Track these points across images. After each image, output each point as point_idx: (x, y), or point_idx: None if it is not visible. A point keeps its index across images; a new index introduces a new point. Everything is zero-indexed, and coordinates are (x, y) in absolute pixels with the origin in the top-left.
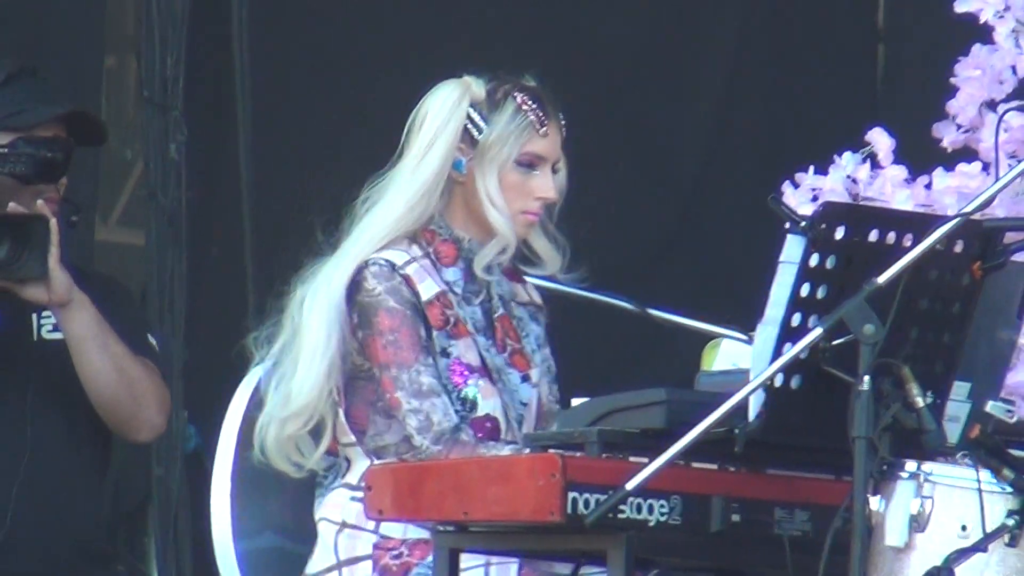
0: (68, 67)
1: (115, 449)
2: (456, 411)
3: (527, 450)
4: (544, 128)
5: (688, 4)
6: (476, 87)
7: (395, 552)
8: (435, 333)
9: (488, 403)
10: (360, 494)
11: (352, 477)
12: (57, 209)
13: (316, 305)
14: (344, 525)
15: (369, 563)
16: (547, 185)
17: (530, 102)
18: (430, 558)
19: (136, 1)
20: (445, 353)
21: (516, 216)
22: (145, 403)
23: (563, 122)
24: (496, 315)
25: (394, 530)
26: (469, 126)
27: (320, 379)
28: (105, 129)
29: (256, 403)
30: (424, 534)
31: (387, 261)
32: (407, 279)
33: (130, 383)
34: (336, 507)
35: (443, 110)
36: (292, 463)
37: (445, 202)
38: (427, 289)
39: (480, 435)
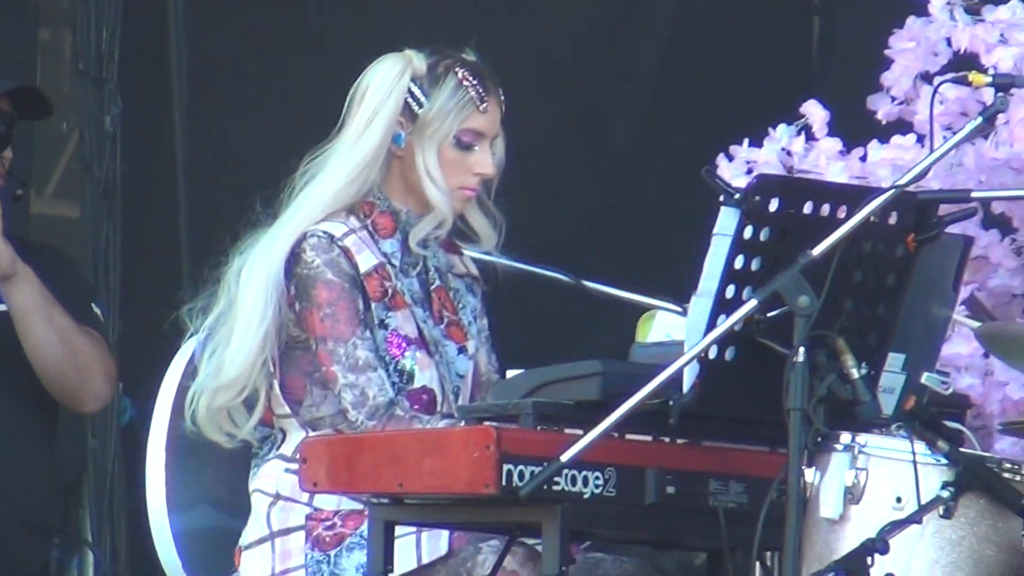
0: (3, 40)
1: None
2: (393, 383)
3: (463, 423)
4: (484, 104)
5: None
6: (417, 61)
7: (328, 523)
8: (373, 305)
9: (425, 375)
10: (294, 466)
11: (287, 449)
12: (1, 182)
13: (253, 276)
14: (278, 497)
15: (302, 534)
16: (486, 161)
17: (471, 78)
18: (363, 528)
19: None
20: (383, 324)
21: (454, 191)
22: (91, 374)
23: (503, 97)
24: (433, 287)
25: (327, 502)
26: (409, 100)
27: (254, 350)
28: (50, 104)
29: (191, 374)
30: (357, 505)
31: (326, 233)
32: (346, 251)
33: (75, 354)
34: (270, 479)
35: (384, 84)
36: (224, 433)
37: (384, 175)
38: (365, 261)
39: (416, 407)
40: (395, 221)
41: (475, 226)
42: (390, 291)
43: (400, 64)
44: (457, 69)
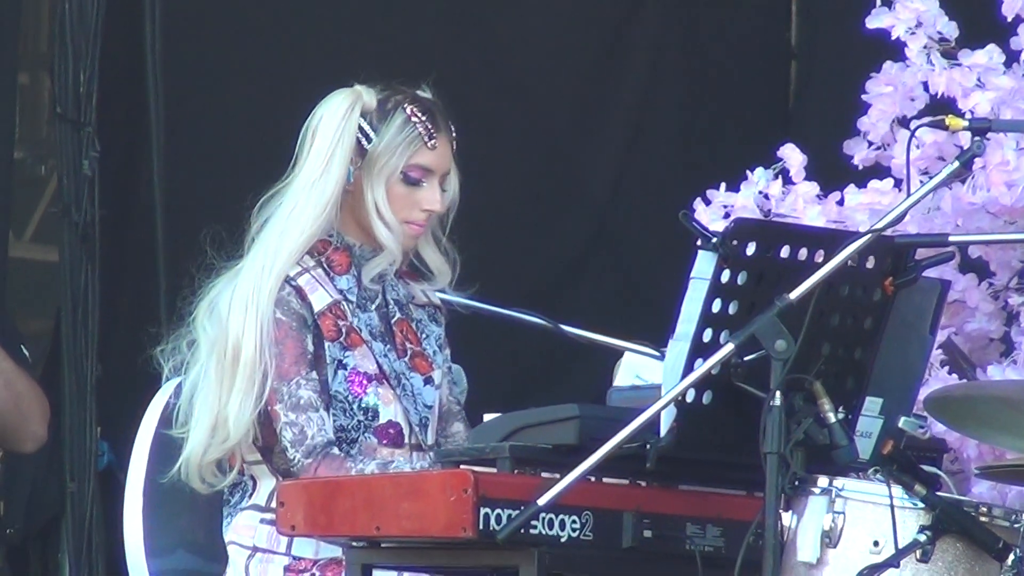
0: None
1: (26, 465)
2: (359, 421)
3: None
4: (433, 141)
5: (602, 18)
6: (367, 96)
7: (307, 574)
8: (328, 345)
9: (389, 410)
10: (270, 516)
11: (260, 498)
12: None
13: (248, 329)
14: (255, 549)
15: None
16: (433, 198)
17: (420, 114)
18: None
19: (50, 18)
20: (342, 365)
21: (401, 226)
22: (31, 415)
23: (454, 135)
24: (394, 320)
25: (306, 550)
26: (359, 136)
27: (256, 406)
28: None
29: (167, 418)
30: (336, 553)
31: None
32: (299, 290)
33: (17, 397)
34: (247, 530)
35: (334, 120)
36: (207, 483)
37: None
38: (319, 300)
39: (384, 441)
40: (350, 257)
41: (429, 262)
42: (344, 330)
43: (349, 99)
44: (406, 105)
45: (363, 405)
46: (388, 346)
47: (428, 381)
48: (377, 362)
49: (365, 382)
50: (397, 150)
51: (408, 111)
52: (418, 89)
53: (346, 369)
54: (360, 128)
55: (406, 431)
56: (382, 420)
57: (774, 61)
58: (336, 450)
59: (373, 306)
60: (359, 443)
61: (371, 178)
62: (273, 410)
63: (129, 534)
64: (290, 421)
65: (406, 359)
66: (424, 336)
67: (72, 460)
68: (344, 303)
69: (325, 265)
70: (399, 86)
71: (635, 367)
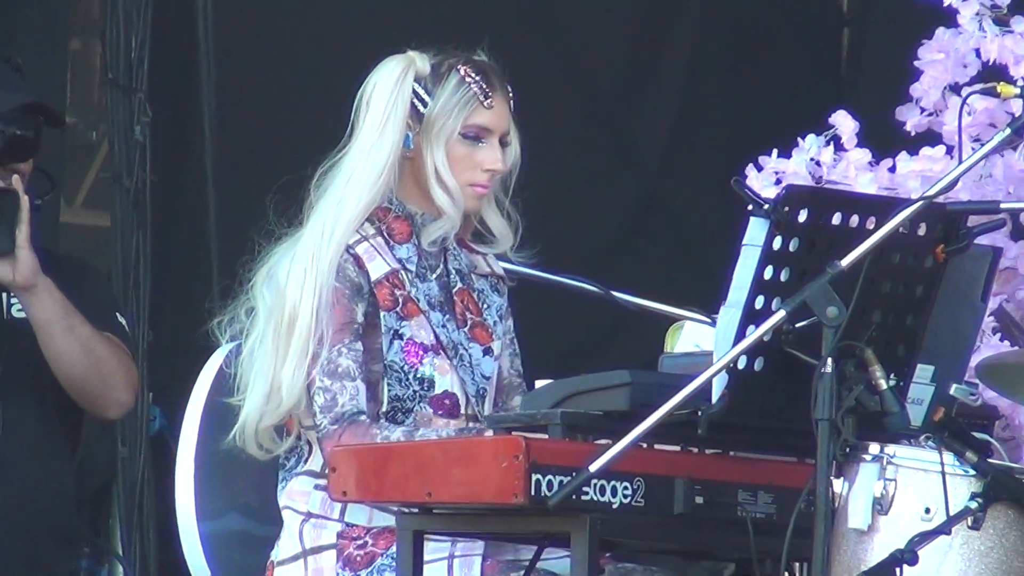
0: (34, 50)
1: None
2: (415, 391)
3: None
4: (489, 100)
5: None
6: (420, 62)
7: (359, 541)
8: (385, 314)
9: (445, 380)
10: (324, 482)
11: (314, 464)
12: (28, 188)
13: (305, 297)
14: (309, 515)
15: (333, 552)
16: (494, 157)
17: (474, 74)
18: (394, 548)
19: None
20: (398, 335)
21: (465, 188)
22: (113, 382)
23: (511, 95)
24: (455, 289)
25: (359, 518)
26: (415, 101)
27: (309, 373)
28: (62, 117)
29: (219, 384)
30: (389, 521)
31: None
32: (357, 259)
33: (98, 363)
34: (301, 495)
35: (388, 86)
36: (264, 449)
37: (397, 178)
38: (377, 269)
39: (440, 412)
40: (411, 225)
41: (492, 227)
42: (401, 299)
43: (402, 65)
44: (460, 67)
45: (419, 375)
46: (447, 316)
47: (487, 352)
48: (434, 332)
49: (421, 352)
50: (454, 111)
51: (462, 72)
52: (473, 54)
53: (402, 339)
54: (415, 92)
55: (462, 402)
56: (438, 390)
57: (826, 28)
58: (364, 418)
59: (433, 276)
60: (414, 413)
61: (430, 142)
62: (311, 374)
63: (181, 497)
64: (324, 387)
65: (466, 329)
66: (485, 306)
67: (124, 426)
68: (403, 272)
69: (385, 233)
70: (452, 50)
71: (695, 337)
